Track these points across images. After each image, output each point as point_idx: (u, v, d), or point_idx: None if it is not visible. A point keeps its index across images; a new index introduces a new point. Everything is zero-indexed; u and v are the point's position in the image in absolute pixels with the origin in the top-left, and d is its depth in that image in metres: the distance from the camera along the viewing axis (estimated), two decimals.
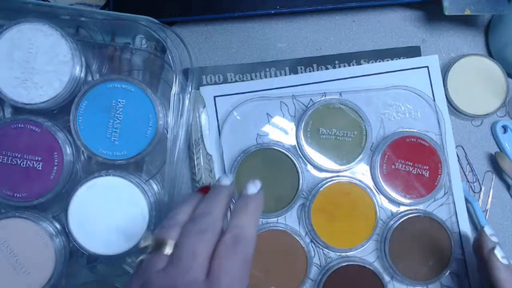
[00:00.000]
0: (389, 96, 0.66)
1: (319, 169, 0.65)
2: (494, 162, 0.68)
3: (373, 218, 0.64)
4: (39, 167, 0.58)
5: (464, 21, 0.70)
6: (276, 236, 0.63)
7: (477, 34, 0.70)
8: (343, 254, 0.65)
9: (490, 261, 0.54)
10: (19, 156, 0.58)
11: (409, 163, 0.64)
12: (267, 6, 0.65)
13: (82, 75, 0.59)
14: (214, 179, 0.65)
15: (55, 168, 0.58)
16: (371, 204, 0.63)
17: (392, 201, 0.65)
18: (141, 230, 0.58)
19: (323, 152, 0.65)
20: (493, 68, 0.67)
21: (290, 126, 0.66)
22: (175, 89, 0.59)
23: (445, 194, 0.65)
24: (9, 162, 0.58)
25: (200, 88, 0.66)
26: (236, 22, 0.69)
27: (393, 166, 0.64)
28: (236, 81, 0.67)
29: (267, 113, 0.66)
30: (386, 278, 0.64)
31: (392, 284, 0.65)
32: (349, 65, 0.68)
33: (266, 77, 0.67)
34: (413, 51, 0.68)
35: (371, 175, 0.65)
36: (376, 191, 0.65)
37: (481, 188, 0.68)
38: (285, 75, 0.67)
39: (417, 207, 0.65)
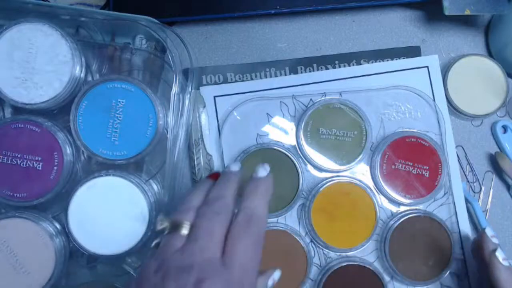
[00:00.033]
0: (389, 96, 0.66)
1: (319, 169, 0.65)
2: (494, 162, 0.68)
3: (373, 218, 0.64)
4: (39, 167, 0.58)
5: (464, 21, 0.70)
6: (276, 236, 0.63)
7: (477, 34, 0.70)
8: (343, 254, 0.65)
9: (491, 263, 0.55)
10: (19, 156, 0.58)
11: (409, 163, 0.64)
12: (267, 6, 0.65)
13: (82, 75, 0.59)
14: None
15: (55, 168, 0.58)
16: (371, 204, 0.63)
17: (392, 201, 0.65)
18: (141, 230, 0.58)
19: (323, 152, 0.65)
20: (493, 68, 0.67)
21: (290, 126, 0.66)
22: (175, 89, 0.59)
23: (445, 194, 0.65)
24: (9, 162, 0.58)
25: (200, 88, 0.66)
26: (236, 22, 0.69)
27: (393, 166, 0.64)
28: (236, 81, 0.67)
29: (267, 113, 0.66)
30: (386, 278, 0.64)
31: (392, 284, 0.65)
32: (349, 65, 0.68)
33: (266, 77, 0.67)
34: (413, 51, 0.68)
35: (371, 175, 0.65)
36: (376, 191, 0.65)
37: (481, 188, 0.68)
38: (285, 75, 0.67)
39: (417, 207, 0.65)
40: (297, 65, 0.68)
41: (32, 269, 0.57)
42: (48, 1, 0.67)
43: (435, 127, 0.66)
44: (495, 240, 0.57)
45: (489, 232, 0.58)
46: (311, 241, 0.65)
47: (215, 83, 0.67)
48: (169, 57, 0.60)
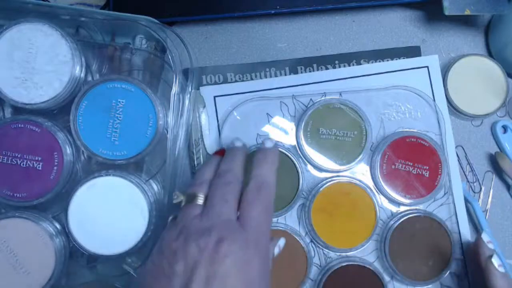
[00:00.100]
0: (389, 96, 0.66)
1: (319, 169, 0.65)
2: (494, 162, 0.68)
3: (373, 218, 0.64)
4: (39, 167, 0.58)
5: (464, 21, 0.70)
6: (276, 236, 0.63)
7: (477, 34, 0.70)
8: (343, 254, 0.65)
9: (488, 269, 0.56)
10: (19, 156, 0.58)
11: (409, 163, 0.64)
12: (267, 6, 0.65)
13: (82, 75, 0.59)
14: None
15: (55, 168, 0.58)
16: (371, 204, 0.63)
17: (392, 201, 0.65)
18: (141, 230, 0.58)
19: (323, 152, 0.65)
20: (493, 68, 0.67)
21: (290, 126, 0.66)
22: (175, 89, 0.59)
23: (445, 194, 0.65)
24: (9, 162, 0.58)
25: (200, 88, 0.66)
26: (236, 22, 0.69)
27: (393, 166, 0.64)
28: (236, 81, 0.67)
29: (267, 113, 0.66)
30: (386, 278, 0.64)
31: (392, 284, 0.65)
32: (349, 65, 0.68)
33: (266, 77, 0.67)
34: (413, 51, 0.68)
35: (371, 175, 0.65)
36: (376, 191, 0.65)
37: (481, 188, 0.68)
38: (285, 75, 0.67)
39: (417, 207, 0.65)
40: (297, 65, 0.68)
41: (32, 269, 0.57)
42: (48, 1, 0.67)
43: (435, 127, 0.66)
44: (491, 246, 0.58)
45: (485, 237, 0.59)
46: (311, 241, 0.65)
47: (215, 83, 0.67)
48: (169, 57, 0.60)
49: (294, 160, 0.64)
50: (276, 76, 0.67)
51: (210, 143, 0.66)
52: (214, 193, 0.49)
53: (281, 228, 0.63)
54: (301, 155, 0.65)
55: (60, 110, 0.61)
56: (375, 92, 0.66)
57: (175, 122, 0.60)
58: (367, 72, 0.66)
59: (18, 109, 0.59)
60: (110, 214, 0.58)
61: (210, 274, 0.43)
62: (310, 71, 0.68)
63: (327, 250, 0.65)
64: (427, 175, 0.64)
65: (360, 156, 0.64)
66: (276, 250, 0.52)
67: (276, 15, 0.69)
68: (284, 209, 0.64)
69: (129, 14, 0.61)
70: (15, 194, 0.58)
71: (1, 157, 0.58)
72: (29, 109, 0.57)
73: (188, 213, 0.49)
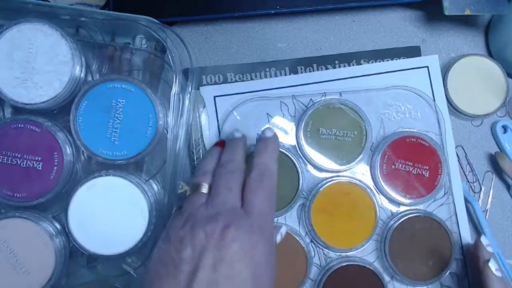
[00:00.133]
0: (389, 96, 0.66)
1: (319, 169, 0.65)
2: (494, 162, 0.68)
3: (373, 218, 0.64)
4: (39, 167, 0.58)
5: (464, 21, 0.70)
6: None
7: (477, 34, 0.70)
8: (343, 254, 0.65)
9: (485, 273, 0.56)
10: (19, 156, 0.58)
11: (409, 163, 0.64)
12: (267, 6, 0.65)
13: (82, 75, 0.59)
14: None
15: (55, 168, 0.58)
16: (371, 204, 0.63)
17: (392, 201, 0.65)
18: (141, 230, 0.58)
19: (323, 152, 0.65)
20: (493, 68, 0.67)
21: (290, 126, 0.66)
22: (175, 89, 0.59)
23: (445, 194, 0.65)
24: (9, 162, 0.58)
25: (200, 88, 0.66)
26: (236, 22, 0.69)
27: (393, 166, 0.64)
28: (236, 81, 0.67)
29: (267, 113, 0.66)
30: (386, 278, 0.64)
31: (392, 284, 0.65)
32: (349, 65, 0.68)
33: (266, 77, 0.67)
34: (413, 51, 0.68)
35: (371, 175, 0.65)
36: (376, 191, 0.65)
37: (481, 188, 0.68)
38: (285, 75, 0.67)
39: (417, 207, 0.65)
40: (297, 65, 0.68)
41: (32, 269, 0.57)
42: (48, 1, 0.67)
43: (435, 127, 0.66)
44: (490, 249, 0.59)
45: (484, 240, 0.59)
46: (311, 241, 0.65)
47: (215, 83, 0.67)
48: (169, 57, 0.60)
49: (294, 160, 0.64)
50: (276, 76, 0.67)
51: (210, 143, 0.66)
52: (218, 182, 0.51)
53: None
54: (301, 155, 0.65)
55: (60, 110, 0.60)
56: (375, 92, 0.66)
57: (175, 122, 0.60)
58: (367, 72, 0.66)
59: (18, 109, 0.58)
60: (110, 214, 0.58)
61: (217, 259, 0.45)
62: (310, 71, 0.68)
63: (327, 250, 0.65)
64: (427, 175, 0.64)
65: (360, 156, 0.64)
66: (278, 238, 0.54)
67: (276, 15, 0.69)
68: (284, 209, 0.64)
69: (129, 14, 0.61)
70: (15, 194, 0.58)
71: (1, 157, 0.58)
72: (29, 109, 0.57)
73: (193, 202, 0.50)
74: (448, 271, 0.64)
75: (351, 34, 0.70)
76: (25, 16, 0.57)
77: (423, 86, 0.66)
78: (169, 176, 0.60)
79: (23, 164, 0.58)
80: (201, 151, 0.65)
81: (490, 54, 0.70)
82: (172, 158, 0.60)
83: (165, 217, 0.59)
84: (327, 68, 0.68)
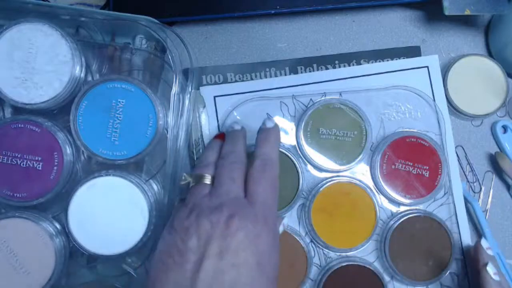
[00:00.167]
0: (389, 96, 0.66)
1: (319, 169, 0.65)
2: (494, 162, 0.68)
3: (373, 218, 0.64)
4: (39, 167, 0.58)
5: (464, 21, 0.70)
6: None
7: (477, 34, 0.70)
8: (343, 254, 0.65)
9: (483, 277, 0.57)
10: (19, 156, 0.58)
11: (409, 163, 0.64)
12: (267, 6, 0.65)
13: (82, 75, 0.59)
14: None
15: (55, 168, 0.58)
16: (371, 204, 0.63)
17: (392, 201, 0.65)
18: (141, 230, 0.58)
19: (323, 152, 0.65)
20: (493, 68, 0.67)
21: (290, 126, 0.66)
22: (175, 89, 0.59)
23: (445, 194, 0.65)
24: (9, 162, 0.58)
25: (200, 88, 0.66)
26: (236, 22, 0.69)
27: (393, 166, 0.64)
28: (236, 81, 0.67)
29: (267, 113, 0.66)
30: (386, 278, 0.64)
31: (392, 284, 0.65)
32: (349, 65, 0.68)
33: (266, 77, 0.67)
34: (413, 51, 0.68)
35: (371, 175, 0.65)
36: (376, 191, 0.65)
37: (481, 188, 0.68)
38: (285, 75, 0.67)
39: (417, 207, 0.65)
40: (297, 65, 0.68)
41: (32, 269, 0.57)
42: (48, 1, 0.67)
43: (435, 127, 0.66)
44: (490, 252, 0.59)
45: (484, 243, 0.59)
46: (311, 241, 0.65)
47: (215, 83, 0.67)
48: (169, 57, 0.60)
49: (294, 160, 0.64)
50: (276, 76, 0.67)
51: None
52: (220, 173, 0.51)
53: None
54: (301, 155, 0.65)
55: (60, 110, 0.60)
56: (375, 92, 0.66)
57: (175, 122, 0.60)
58: (367, 72, 0.66)
59: (18, 109, 0.58)
60: (110, 214, 0.58)
61: (223, 248, 0.45)
62: (310, 71, 0.68)
63: (327, 250, 0.65)
64: (427, 175, 0.64)
65: (360, 156, 0.64)
66: (281, 228, 0.54)
67: (276, 15, 0.69)
68: (284, 209, 0.64)
69: (129, 14, 0.61)
70: (15, 194, 0.58)
71: (1, 157, 0.58)
72: (29, 109, 0.57)
73: (197, 192, 0.50)
74: (448, 271, 0.64)
75: (351, 34, 0.70)
76: (25, 16, 0.57)
77: (423, 86, 0.66)
78: (169, 176, 0.60)
79: (23, 164, 0.58)
80: (201, 151, 0.65)
81: (490, 54, 0.70)
82: (172, 158, 0.60)
83: (165, 217, 0.59)
84: (327, 68, 0.68)
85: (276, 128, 0.56)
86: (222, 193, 0.49)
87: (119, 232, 0.58)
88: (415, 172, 0.64)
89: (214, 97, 0.66)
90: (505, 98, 0.67)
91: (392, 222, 0.64)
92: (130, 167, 0.62)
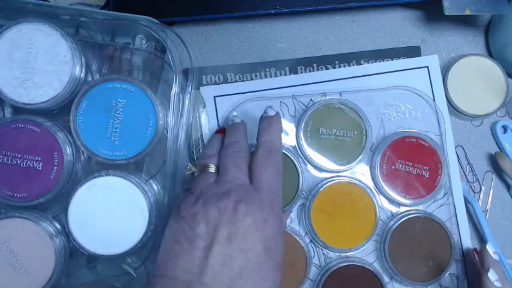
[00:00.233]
0: (389, 96, 0.66)
1: (319, 169, 0.65)
2: (494, 162, 0.68)
3: (373, 218, 0.64)
4: (39, 167, 0.58)
5: (464, 21, 0.70)
6: None
7: (477, 34, 0.70)
8: (343, 254, 0.65)
9: (484, 282, 0.57)
10: (19, 156, 0.58)
11: (409, 164, 0.64)
12: (267, 6, 0.65)
13: (82, 75, 0.59)
14: None
15: (55, 168, 0.58)
16: (371, 205, 0.63)
17: (392, 201, 0.65)
18: (141, 230, 0.58)
19: (323, 152, 0.65)
20: (493, 68, 0.67)
21: (290, 127, 0.66)
22: (175, 89, 0.59)
23: (445, 194, 0.65)
24: (9, 162, 0.58)
25: (200, 88, 0.66)
26: (236, 22, 0.69)
27: (393, 167, 0.64)
28: (236, 81, 0.67)
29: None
30: (386, 278, 0.64)
31: (392, 285, 0.65)
32: (349, 65, 0.68)
33: (266, 77, 0.67)
34: (413, 51, 0.68)
35: (371, 175, 0.65)
36: (376, 191, 0.65)
37: (481, 188, 0.68)
38: (285, 75, 0.67)
39: (417, 208, 0.65)
40: (297, 65, 0.68)
41: (32, 269, 0.57)
42: (48, 1, 0.67)
43: (435, 127, 0.66)
44: (495, 257, 0.59)
45: (490, 248, 0.59)
46: (311, 241, 0.65)
47: (215, 83, 0.67)
48: (169, 57, 0.60)
49: (294, 160, 0.64)
50: (276, 76, 0.67)
51: None
52: (225, 161, 0.52)
53: None
54: (301, 155, 0.65)
55: (60, 110, 0.60)
56: (375, 92, 0.66)
57: (175, 122, 0.60)
58: (367, 72, 0.66)
59: (18, 109, 0.58)
60: (110, 214, 0.58)
61: (231, 233, 0.46)
62: (310, 71, 0.68)
63: (326, 250, 0.65)
64: (427, 176, 0.64)
65: (360, 156, 0.64)
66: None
67: (276, 15, 0.69)
68: (284, 209, 0.64)
69: (129, 14, 0.61)
70: (15, 194, 0.58)
71: (1, 157, 0.58)
72: (29, 109, 0.57)
73: (203, 180, 0.51)
74: (448, 272, 0.64)
75: (351, 34, 0.70)
76: (25, 16, 0.57)
77: (423, 86, 0.66)
78: (169, 176, 0.60)
79: (23, 164, 0.58)
80: (201, 151, 0.65)
81: (490, 54, 0.70)
82: (172, 158, 0.60)
83: (165, 217, 0.59)
84: (327, 68, 0.68)
85: (278, 116, 0.56)
86: (228, 180, 0.50)
87: (119, 232, 0.58)
88: (415, 173, 0.64)
89: (214, 97, 0.66)
90: (505, 98, 0.67)
91: (392, 223, 0.64)
92: (130, 167, 0.62)
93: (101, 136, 0.59)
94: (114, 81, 0.59)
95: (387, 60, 0.68)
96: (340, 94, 0.66)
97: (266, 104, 0.64)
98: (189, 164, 0.53)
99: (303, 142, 0.65)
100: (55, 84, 0.57)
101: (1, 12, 0.60)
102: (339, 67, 0.68)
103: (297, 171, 0.64)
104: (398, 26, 0.70)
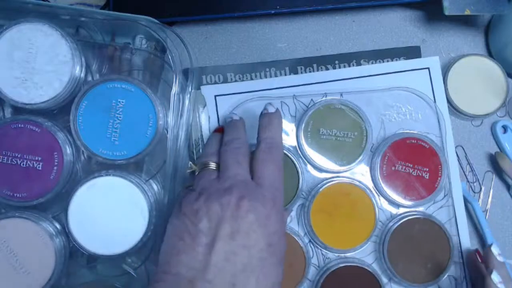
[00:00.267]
0: (390, 97, 0.66)
1: (319, 169, 0.65)
2: (494, 162, 0.68)
3: (372, 219, 0.64)
4: (39, 167, 0.58)
5: (464, 21, 0.70)
6: None
7: (477, 34, 0.70)
8: (342, 255, 0.65)
9: (488, 284, 0.57)
10: (19, 156, 0.58)
11: (409, 165, 0.64)
12: (267, 6, 0.65)
13: (82, 75, 0.59)
14: None
15: (55, 168, 0.58)
16: (371, 205, 0.64)
17: (391, 202, 0.65)
18: (141, 230, 0.58)
19: (323, 153, 0.65)
20: (493, 68, 0.67)
21: (291, 127, 0.66)
22: (175, 89, 0.59)
23: (444, 196, 0.65)
24: (9, 162, 0.58)
25: (201, 87, 0.66)
26: (236, 22, 0.69)
27: (393, 168, 0.64)
28: (236, 81, 0.67)
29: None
30: (384, 280, 0.64)
31: (390, 286, 0.65)
32: (349, 65, 0.68)
33: (266, 77, 0.67)
34: (413, 51, 0.68)
35: (371, 176, 0.65)
36: (376, 192, 0.65)
37: (481, 188, 0.68)
38: (285, 75, 0.67)
39: (417, 209, 0.65)
40: (297, 65, 0.68)
41: (32, 269, 0.57)
42: (48, 1, 0.67)
43: (436, 129, 0.66)
44: (500, 258, 0.59)
45: (495, 250, 0.59)
46: (310, 241, 0.65)
47: (215, 83, 0.67)
48: (169, 57, 0.60)
49: (294, 160, 0.64)
50: (276, 76, 0.67)
51: None
52: (226, 158, 0.52)
53: None
54: (301, 155, 0.65)
55: (60, 110, 0.60)
56: (376, 93, 0.66)
57: (175, 122, 0.60)
58: (369, 73, 0.66)
59: (18, 109, 0.58)
60: (110, 214, 0.58)
61: (234, 230, 0.46)
62: (310, 71, 0.67)
63: (325, 251, 0.65)
64: (427, 177, 0.64)
65: (360, 157, 0.64)
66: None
67: (276, 15, 0.69)
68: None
69: (129, 14, 0.61)
70: (15, 194, 0.58)
71: (1, 157, 0.58)
72: (29, 109, 0.57)
73: (205, 177, 0.51)
74: (447, 274, 0.64)
75: (351, 34, 0.70)
76: (25, 16, 0.57)
77: (424, 88, 0.66)
78: (169, 176, 0.60)
79: (23, 164, 0.58)
80: (201, 151, 0.65)
81: (490, 54, 0.70)
82: (172, 158, 0.60)
83: (165, 217, 0.59)
84: (327, 68, 0.68)
85: (278, 112, 0.56)
86: (230, 176, 0.50)
87: (119, 232, 0.58)
88: (415, 174, 0.64)
89: (215, 96, 0.66)
90: (505, 98, 0.67)
91: (391, 224, 0.64)
92: (130, 167, 0.62)
93: (101, 136, 0.59)
94: (114, 81, 0.58)
95: (387, 60, 0.68)
96: (341, 95, 0.66)
97: None
98: (190, 162, 0.53)
99: (303, 142, 0.65)
100: (55, 84, 0.57)
101: (1, 12, 0.60)
102: (339, 67, 0.68)
103: (297, 171, 0.64)
104: (398, 26, 0.70)
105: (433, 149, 0.64)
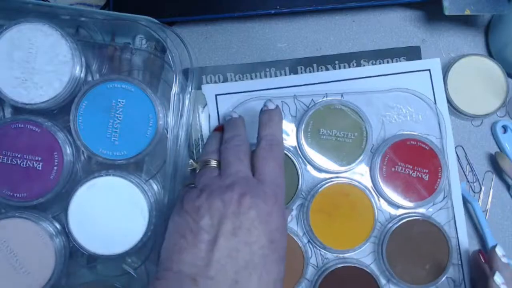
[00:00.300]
0: (391, 98, 0.66)
1: (319, 169, 0.65)
2: (494, 162, 0.68)
3: (371, 220, 0.64)
4: (39, 167, 0.58)
5: (464, 21, 0.70)
6: None
7: (477, 34, 0.70)
8: (340, 255, 0.65)
9: (490, 285, 0.57)
10: (19, 156, 0.58)
11: (409, 166, 0.64)
12: (267, 6, 0.65)
13: (82, 75, 0.59)
14: None
15: (55, 168, 0.58)
16: (370, 206, 0.64)
17: (391, 203, 0.65)
18: (141, 230, 0.58)
19: (323, 153, 0.65)
20: (493, 68, 0.67)
21: (291, 127, 0.66)
22: (175, 89, 0.59)
23: (444, 198, 0.65)
24: (9, 162, 0.58)
25: (202, 86, 0.66)
26: (236, 22, 0.69)
27: (393, 169, 0.64)
28: (236, 81, 0.67)
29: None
30: (383, 280, 0.64)
31: (388, 287, 0.65)
32: (349, 65, 0.68)
33: (266, 77, 0.67)
34: (413, 51, 0.68)
35: (371, 177, 0.65)
36: (375, 193, 0.65)
37: (481, 188, 0.68)
38: (285, 75, 0.67)
39: (416, 211, 0.65)
40: (297, 65, 0.68)
41: (32, 269, 0.57)
42: (48, 1, 0.67)
43: (436, 131, 0.66)
44: (504, 260, 0.59)
45: (499, 251, 0.59)
46: (309, 241, 0.65)
47: (215, 83, 0.67)
48: (169, 57, 0.60)
49: (293, 160, 0.64)
50: (276, 76, 0.67)
51: None
52: (227, 155, 0.52)
53: None
54: (301, 155, 0.65)
55: (60, 110, 0.60)
56: (376, 94, 0.66)
57: (175, 122, 0.60)
58: (369, 74, 0.66)
59: (18, 109, 0.58)
60: (110, 214, 0.58)
61: (236, 226, 0.46)
62: (310, 71, 0.67)
63: (324, 251, 0.65)
64: (427, 179, 0.64)
65: (360, 158, 0.64)
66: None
67: (276, 15, 0.69)
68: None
69: (129, 14, 0.60)
70: (15, 194, 0.58)
71: (1, 157, 0.58)
72: (29, 109, 0.57)
73: (206, 175, 0.51)
74: (445, 276, 0.64)
75: (351, 34, 0.69)
76: (25, 16, 0.57)
77: (425, 89, 0.66)
78: (169, 176, 0.60)
79: (23, 164, 0.58)
80: (201, 151, 0.65)
81: (490, 54, 0.70)
82: (172, 158, 0.60)
83: (165, 217, 0.59)
84: (327, 69, 0.68)
85: (278, 109, 0.56)
86: (231, 173, 0.50)
87: (119, 232, 0.58)
88: (414, 175, 0.64)
89: (216, 95, 0.66)
90: (505, 98, 0.67)
91: (390, 225, 0.64)
92: (130, 167, 0.62)
93: (101, 136, 0.59)
94: (114, 81, 0.58)
95: (387, 60, 0.68)
96: (342, 95, 0.66)
97: None
98: (191, 160, 0.53)
99: (303, 142, 0.65)
100: (55, 84, 0.57)
101: (1, 12, 0.60)
102: (339, 67, 0.68)
103: (297, 171, 0.64)
104: (398, 26, 0.70)
105: (433, 151, 0.64)
